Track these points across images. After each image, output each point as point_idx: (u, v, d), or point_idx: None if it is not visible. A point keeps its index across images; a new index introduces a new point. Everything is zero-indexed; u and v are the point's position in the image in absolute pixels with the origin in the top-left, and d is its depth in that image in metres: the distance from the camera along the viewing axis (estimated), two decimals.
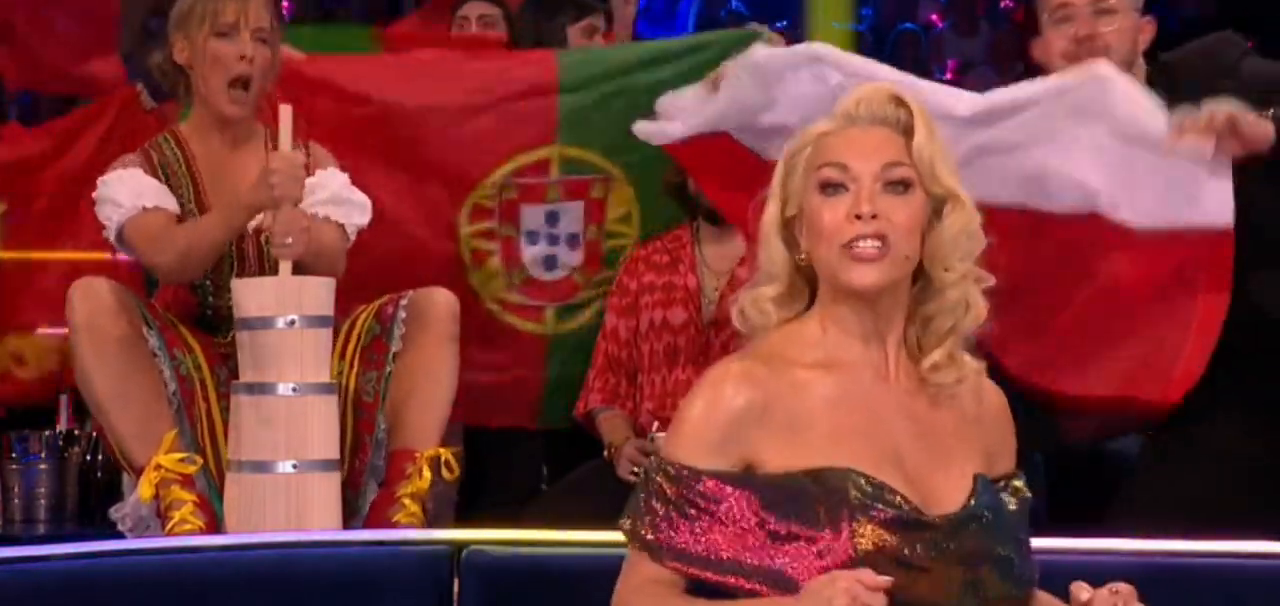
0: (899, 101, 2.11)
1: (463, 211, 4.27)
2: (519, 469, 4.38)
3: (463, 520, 4.09)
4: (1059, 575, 2.65)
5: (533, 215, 4.29)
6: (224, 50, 3.54)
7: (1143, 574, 2.71)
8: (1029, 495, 2.18)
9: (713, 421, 2.04)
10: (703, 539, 2.01)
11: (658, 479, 2.05)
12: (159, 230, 3.51)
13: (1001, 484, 2.15)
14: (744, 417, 2.04)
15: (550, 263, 4.31)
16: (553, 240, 4.31)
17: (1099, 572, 2.72)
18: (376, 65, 4.50)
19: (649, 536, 2.03)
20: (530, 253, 4.30)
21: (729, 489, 2.01)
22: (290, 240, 3.39)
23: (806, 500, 1.99)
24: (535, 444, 4.44)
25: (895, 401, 2.09)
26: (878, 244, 2.04)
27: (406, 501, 3.43)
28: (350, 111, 4.20)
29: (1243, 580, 2.74)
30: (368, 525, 3.46)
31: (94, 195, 3.59)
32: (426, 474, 3.46)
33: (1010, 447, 2.20)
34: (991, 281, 2.14)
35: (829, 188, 2.08)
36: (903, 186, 2.07)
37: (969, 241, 2.10)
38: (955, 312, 2.10)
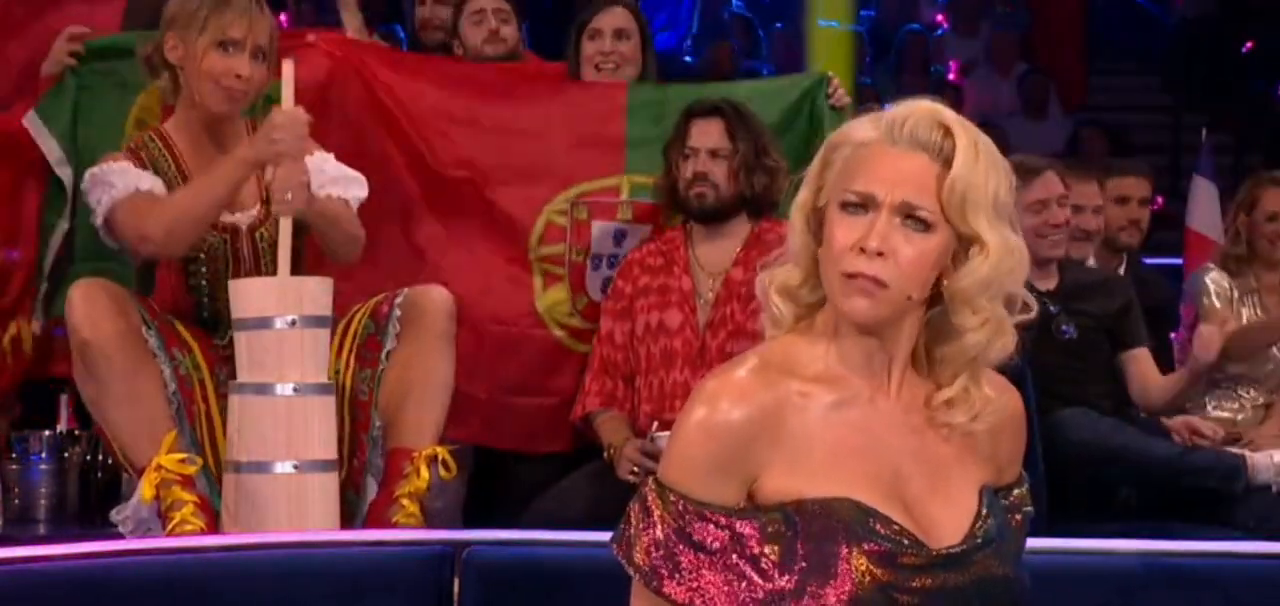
0: (945, 129, 2.00)
1: (534, 231, 4.31)
2: (529, 469, 4.38)
3: (484, 502, 4.12)
4: (1059, 575, 2.66)
5: (603, 233, 4.33)
6: (221, 65, 3.52)
7: (1143, 574, 2.72)
8: (1031, 508, 2.13)
9: (712, 440, 1.98)
10: (698, 578, 1.96)
11: (656, 512, 1.99)
12: (150, 204, 3.50)
13: (1004, 494, 2.11)
14: (744, 433, 1.97)
15: (607, 285, 4.32)
16: (613, 262, 4.32)
17: (1099, 572, 2.73)
18: (455, 74, 4.53)
19: (645, 566, 1.98)
20: (593, 278, 4.33)
21: (725, 525, 1.97)
22: (290, 195, 3.39)
23: (802, 534, 1.94)
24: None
25: (897, 418, 2.03)
26: (874, 283, 1.97)
27: (405, 501, 3.43)
28: (432, 124, 4.30)
29: (1243, 580, 2.74)
30: (367, 525, 3.46)
31: (83, 187, 3.60)
32: (424, 473, 3.46)
33: (1019, 455, 2.14)
34: (1033, 313, 2.08)
35: (849, 207, 2.00)
36: (922, 226, 1.98)
37: (998, 285, 2.03)
38: (976, 349, 2.04)
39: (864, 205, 1.99)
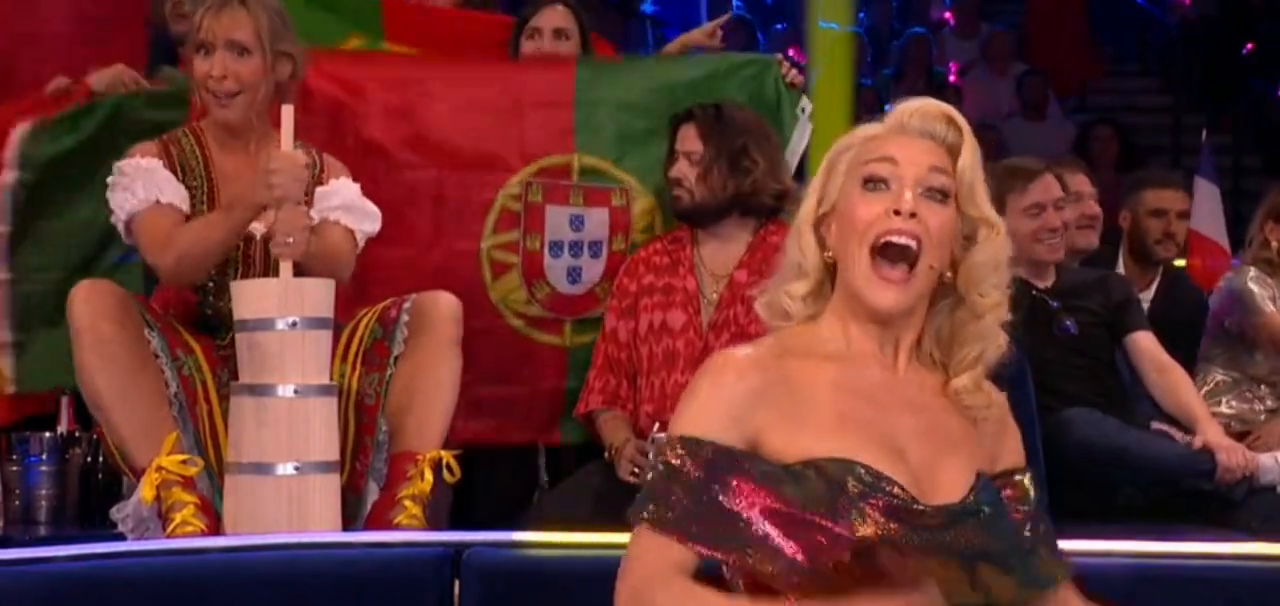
0: (950, 121, 2.13)
1: (488, 219, 4.28)
2: (518, 471, 4.38)
3: (458, 524, 4.09)
4: None
5: (557, 218, 4.30)
6: (200, 67, 3.57)
7: (1143, 574, 2.72)
8: (1032, 491, 2.18)
9: (718, 401, 2.05)
10: (716, 514, 2.00)
11: (669, 458, 2.04)
12: (167, 228, 3.51)
13: (1003, 480, 2.15)
14: (748, 400, 2.05)
15: (574, 275, 4.31)
16: (576, 250, 4.30)
17: (1099, 573, 2.73)
18: (396, 65, 4.50)
19: (667, 514, 2.02)
20: (554, 266, 4.30)
21: (730, 465, 2.02)
22: (291, 240, 3.39)
23: (809, 488, 1.99)
24: (535, 447, 4.43)
25: (901, 395, 2.11)
26: (906, 265, 2.06)
27: (407, 503, 3.43)
28: (371, 115, 4.25)
29: (1247, 582, 2.74)
30: (368, 527, 3.45)
31: (109, 180, 3.59)
32: (428, 476, 3.46)
33: (1014, 444, 2.21)
34: (1008, 317, 2.15)
35: (871, 183, 2.10)
36: (942, 195, 2.09)
37: (1002, 271, 2.13)
38: (985, 340, 2.12)
39: (885, 180, 2.09)
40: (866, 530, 1.97)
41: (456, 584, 2.69)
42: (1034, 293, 4.40)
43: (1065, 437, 4.09)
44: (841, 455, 2.01)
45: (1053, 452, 4.01)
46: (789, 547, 1.97)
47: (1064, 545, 2.74)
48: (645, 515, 2.04)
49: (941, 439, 2.10)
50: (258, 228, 3.56)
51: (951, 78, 9.71)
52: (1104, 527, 3.73)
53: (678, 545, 2.01)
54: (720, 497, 2.00)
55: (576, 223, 4.31)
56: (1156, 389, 4.38)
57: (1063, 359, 4.34)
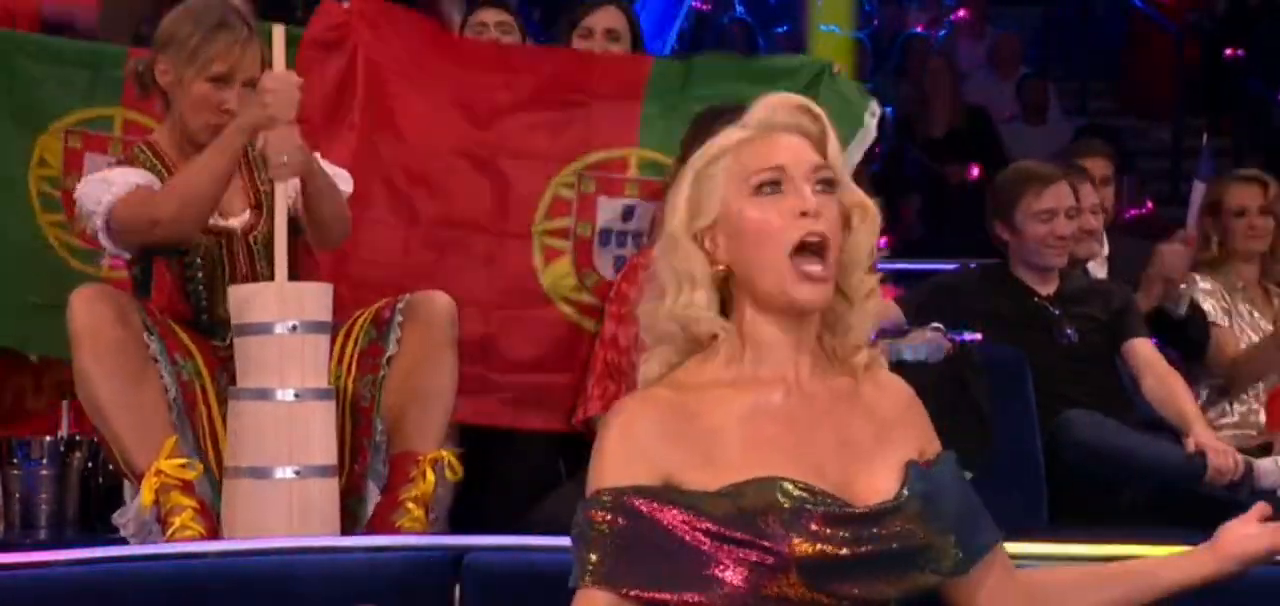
0: (811, 113, 2.12)
1: (541, 205, 4.28)
2: (533, 471, 4.36)
3: (465, 524, 4.09)
4: None
5: (610, 209, 4.31)
6: (210, 96, 3.52)
7: None
8: (957, 470, 2.16)
9: (630, 448, 2.03)
10: (649, 552, 1.98)
11: (593, 518, 2.01)
12: (152, 192, 3.48)
13: (933, 465, 2.14)
14: (659, 441, 2.02)
15: (620, 264, 4.31)
16: (622, 240, 4.31)
17: None
18: (466, 50, 4.51)
19: (601, 572, 1.99)
20: (602, 254, 4.32)
21: (658, 504, 1.99)
22: (286, 158, 3.38)
23: (738, 512, 1.97)
24: (547, 448, 4.41)
25: (812, 414, 2.08)
26: (820, 263, 2.05)
27: (410, 505, 3.43)
28: (428, 94, 4.26)
29: (1246, 585, 2.73)
30: (371, 529, 3.45)
31: (76, 194, 3.58)
32: (429, 476, 3.46)
33: (930, 430, 2.18)
34: (882, 302, 2.18)
35: (765, 188, 2.07)
36: (830, 187, 2.09)
37: (873, 253, 2.13)
38: (864, 325, 2.12)
39: (777, 182, 2.07)
40: (805, 545, 1.96)
41: (457, 588, 2.69)
42: (1035, 300, 4.40)
43: (1064, 439, 4.09)
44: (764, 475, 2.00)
45: (1053, 454, 4.01)
46: (729, 572, 1.96)
47: (1065, 548, 2.75)
48: (578, 581, 2.01)
49: (858, 448, 2.08)
50: (236, 223, 3.55)
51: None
52: (1105, 529, 3.73)
53: (603, 595, 1.99)
54: (652, 533, 1.98)
55: (628, 213, 4.32)
56: (1152, 394, 4.38)
57: (1063, 365, 4.34)
